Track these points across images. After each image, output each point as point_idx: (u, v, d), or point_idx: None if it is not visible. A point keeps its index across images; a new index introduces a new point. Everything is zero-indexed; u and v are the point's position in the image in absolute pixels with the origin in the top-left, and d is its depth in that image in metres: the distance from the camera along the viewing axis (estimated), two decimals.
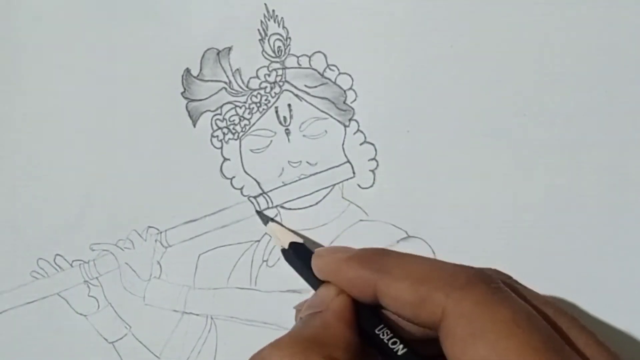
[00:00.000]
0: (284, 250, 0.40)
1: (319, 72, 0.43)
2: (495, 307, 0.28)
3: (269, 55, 0.43)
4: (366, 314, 0.34)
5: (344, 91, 0.43)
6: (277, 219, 0.43)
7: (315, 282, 0.37)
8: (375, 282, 0.32)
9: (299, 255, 0.39)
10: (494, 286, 0.30)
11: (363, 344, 0.33)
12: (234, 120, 0.43)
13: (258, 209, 0.43)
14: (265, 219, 0.42)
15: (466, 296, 0.29)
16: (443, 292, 0.29)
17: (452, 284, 0.30)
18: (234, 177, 0.43)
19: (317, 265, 0.37)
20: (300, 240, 0.40)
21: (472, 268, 0.31)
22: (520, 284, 0.34)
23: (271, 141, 0.43)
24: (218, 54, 0.43)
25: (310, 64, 0.43)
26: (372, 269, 0.33)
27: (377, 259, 0.33)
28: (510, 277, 0.35)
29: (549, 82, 0.42)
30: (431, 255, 0.42)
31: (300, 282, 0.41)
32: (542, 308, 0.31)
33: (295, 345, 0.29)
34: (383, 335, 0.33)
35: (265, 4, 0.43)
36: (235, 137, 0.43)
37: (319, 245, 0.42)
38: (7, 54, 0.44)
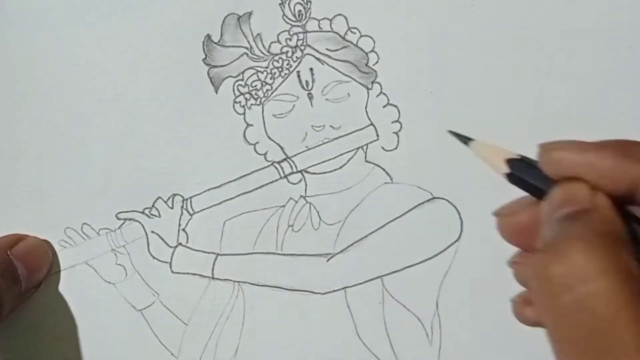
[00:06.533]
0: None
1: (340, 35, 0.43)
2: None
3: (289, 19, 0.43)
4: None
5: (366, 54, 0.42)
6: (302, 184, 0.43)
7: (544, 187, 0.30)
8: (636, 175, 0.27)
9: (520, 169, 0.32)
10: None
11: None
12: (256, 86, 0.43)
13: (282, 174, 0.43)
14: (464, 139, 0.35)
15: None
16: None
17: None
18: (257, 142, 0.43)
19: (554, 159, 0.30)
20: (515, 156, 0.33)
21: None
22: None
23: (294, 106, 0.43)
24: (238, 19, 0.43)
25: (331, 27, 0.43)
26: (633, 160, 0.27)
27: (636, 149, 0.28)
28: None
29: (571, 41, 0.42)
30: (456, 217, 0.42)
31: (326, 246, 0.42)
32: None
33: (595, 240, 0.24)
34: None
35: None
36: (258, 102, 0.43)
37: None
38: (29, 24, 0.44)
